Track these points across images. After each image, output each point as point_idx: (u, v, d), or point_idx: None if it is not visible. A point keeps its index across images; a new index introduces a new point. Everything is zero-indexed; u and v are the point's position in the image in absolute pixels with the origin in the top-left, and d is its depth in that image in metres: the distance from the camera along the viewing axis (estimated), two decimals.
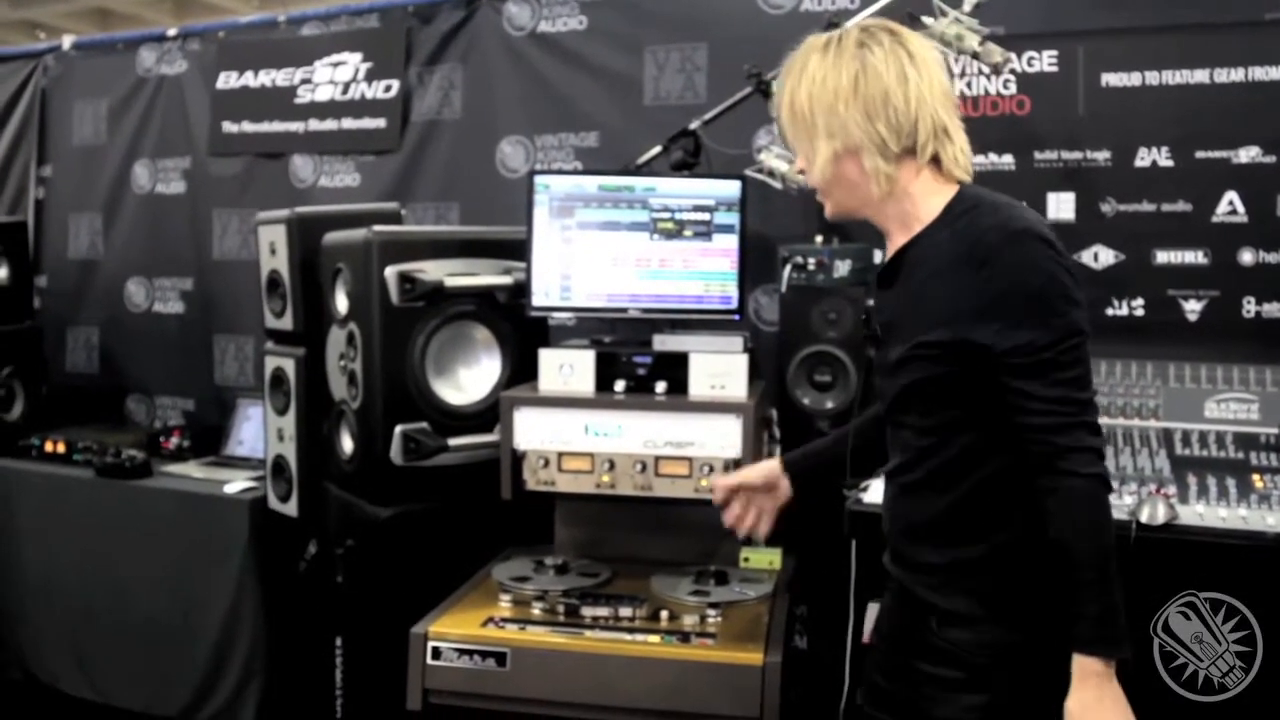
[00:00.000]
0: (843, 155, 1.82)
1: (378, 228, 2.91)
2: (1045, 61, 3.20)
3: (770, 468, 2.25)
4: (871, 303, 2.03)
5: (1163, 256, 3.12)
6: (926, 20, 2.85)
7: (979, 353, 1.72)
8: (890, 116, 1.78)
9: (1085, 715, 1.69)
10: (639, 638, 2.37)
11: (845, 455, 2.16)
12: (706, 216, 2.87)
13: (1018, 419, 1.71)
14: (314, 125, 4.18)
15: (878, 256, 2.89)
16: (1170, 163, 3.10)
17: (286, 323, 3.31)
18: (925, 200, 1.82)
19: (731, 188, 2.88)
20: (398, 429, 2.88)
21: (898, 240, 1.87)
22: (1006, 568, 1.79)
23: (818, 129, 1.82)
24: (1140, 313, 3.14)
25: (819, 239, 3.01)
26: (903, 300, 1.84)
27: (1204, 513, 2.45)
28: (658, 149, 3.15)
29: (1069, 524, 1.70)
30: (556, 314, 3.10)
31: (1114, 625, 1.68)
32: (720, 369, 2.64)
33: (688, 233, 2.88)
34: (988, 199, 1.80)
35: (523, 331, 3.03)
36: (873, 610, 2.22)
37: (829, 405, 2.89)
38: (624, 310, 2.90)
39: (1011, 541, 1.78)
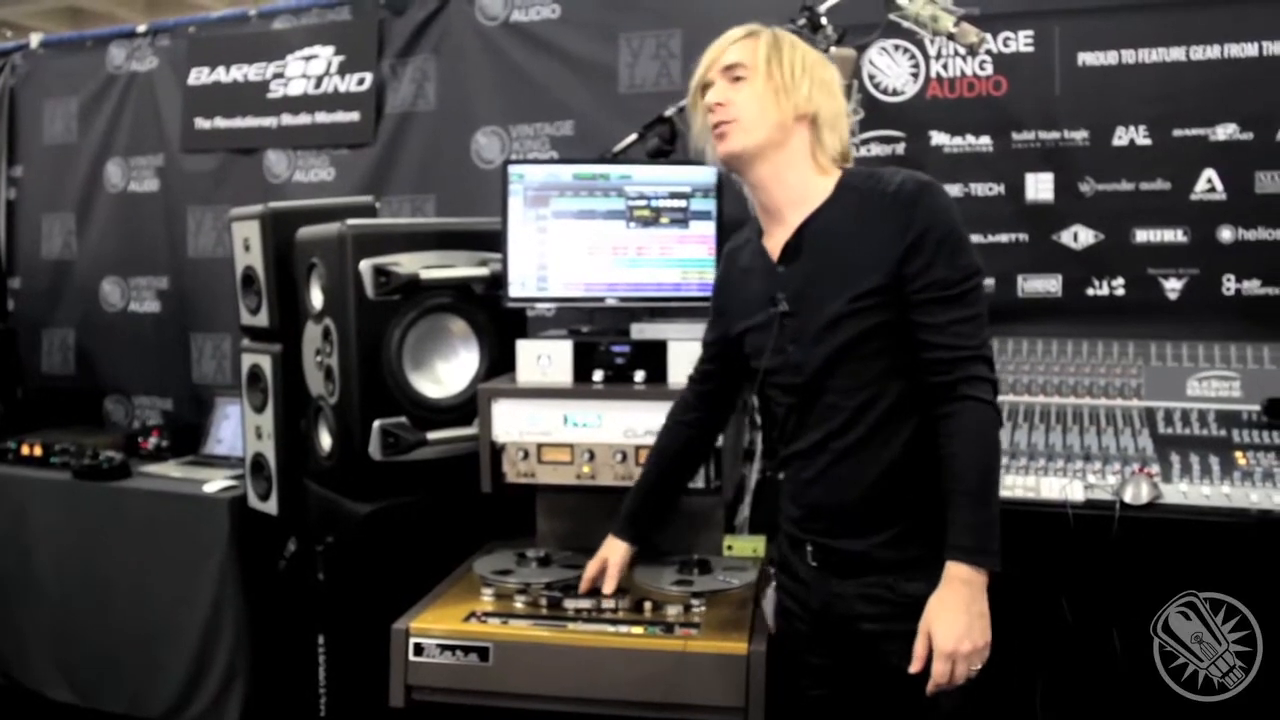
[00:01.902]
0: (803, 119, 1.98)
1: (351, 221, 2.88)
2: (1021, 41, 3.19)
3: (625, 551, 2.38)
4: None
5: (1142, 235, 3.12)
6: (900, 1, 2.83)
7: (908, 285, 1.86)
8: (838, 105, 2.03)
9: (942, 613, 1.80)
10: (623, 629, 2.35)
11: (662, 497, 2.40)
12: (683, 204, 2.85)
13: (924, 353, 1.86)
14: (287, 120, 4.14)
15: None
16: (1148, 141, 3.10)
17: (262, 319, 3.27)
18: (822, 177, 1.99)
19: (708, 174, 2.86)
20: (376, 424, 2.85)
21: (789, 219, 1.99)
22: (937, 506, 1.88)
23: (795, 85, 1.96)
24: (1120, 292, 3.14)
25: None
26: (817, 268, 1.95)
27: (1187, 491, 2.46)
28: (633, 137, 3.12)
29: (961, 439, 1.84)
30: (534, 305, 3.07)
31: (988, 538, 1.83)
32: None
33: (664, 220, 2.86)
34: (879, 169, 1.98)
35: (500, 323, 3.00)
36: (769, 598, 2.22)
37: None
38: (601, 300, 2.88)
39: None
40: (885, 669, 1.90)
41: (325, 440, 3.03)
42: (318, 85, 4.09)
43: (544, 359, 2.75)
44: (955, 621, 1.78)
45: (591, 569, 2.40)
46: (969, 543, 1.81)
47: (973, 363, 1.85)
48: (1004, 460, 2.61)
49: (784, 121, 1.96)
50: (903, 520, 1.91)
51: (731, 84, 1.98)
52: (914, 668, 1.81)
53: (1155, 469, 2.53)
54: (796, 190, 1.98)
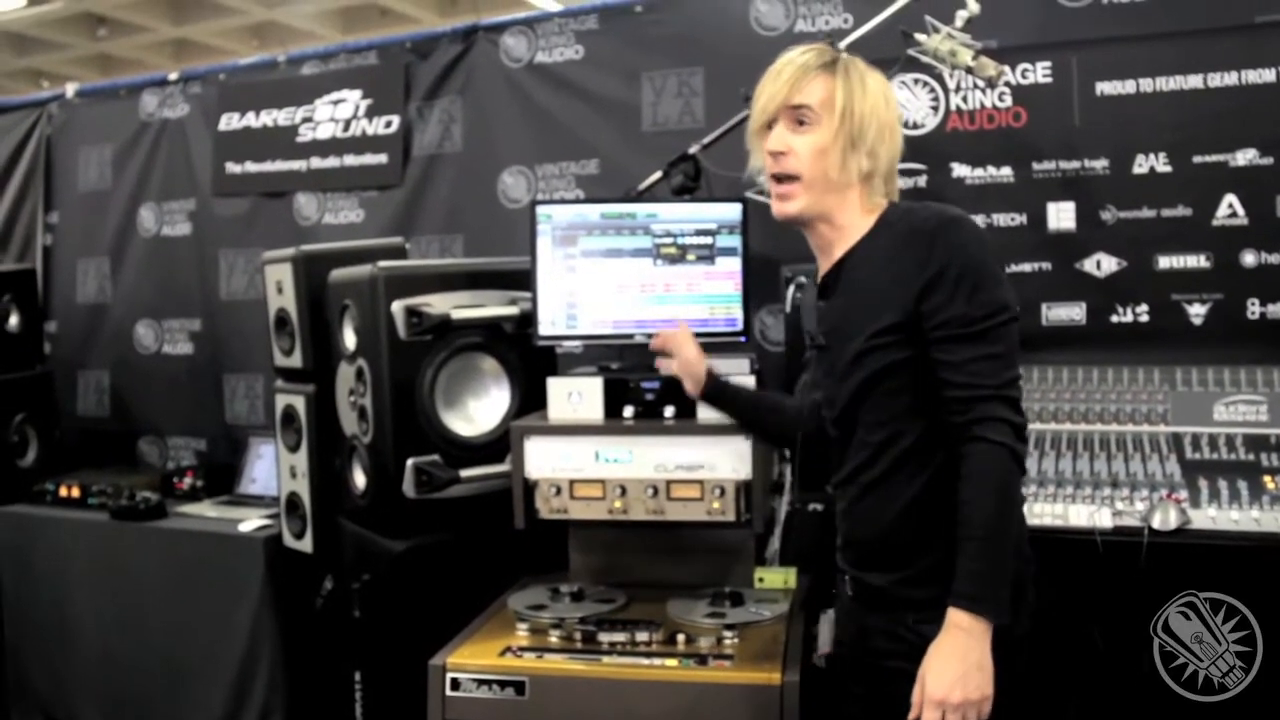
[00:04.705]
0: (865, 172, 1.93)
1: (383, 263, 2.93)
2: (1040, 73, 3.22)
3: (698, 374, 2.45)
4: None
5: (1165, 261, 3.13)
6: (919, 37, 2.87)
7: (927, 322, 1.81)
8: (896, 147, 1.97)
9: (936, 660, 1.75)
10: (657, 662, 2.37)
11: (746, 408, 2.45)
12: (709, 240, 2.89)
13: (943, 391, 1.81)
14: (316, 163, 4.21)
15: None
16: (1168, 168, 3.12)
17: (296, 360, 3.33)
18: (867, 215, 1.95)
19: (733, 210, 2.90)
20: (409, 462, 2.89)
21: (834, 254, 1.97)
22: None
23: (864, 138, 1.90)
24: (1145, 318, 3.15)
25: None
26: (847, 304, 1.94)
27: (1216, 516, 2.46)
28: (658, 174, 3.16)
29: (971, 483, 1.77)
30: (563, 342, 3.11)
31: (991, 587, 1.76)
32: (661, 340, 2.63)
33: (691, 257, 2.89)
34: (917, 203, 1.94)
35: (530, 361, 3.04)
36: (826, 621, 2.24)
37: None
38: (630, 336, 2.91)
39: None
40: (905, 709, 1.87)
41: (359, 479, 3.07)
42: (346, 129, 4.16)
43: (575, 396, 2.78)
44: (948, 670, 1.73)
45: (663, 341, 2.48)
46: (971, 590, 1.75)
47: (991, 403, 1.78)
48: (1031, 488, 2.62)
49: (849, 181, 1.92)
50: (924, 558, 1.87)
51: (795, 128, 1.92)
52: (909, 717, 1.77)
53: (1183, 494, 2.54)
54: (844, 230, 1.96)
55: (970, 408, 1.79)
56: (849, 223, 1.95)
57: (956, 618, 1.75)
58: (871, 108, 1.91)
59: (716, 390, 2.44)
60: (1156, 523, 2.43)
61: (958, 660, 1.73)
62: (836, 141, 1.89)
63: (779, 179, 1.94)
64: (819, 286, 2.02)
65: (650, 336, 2.87)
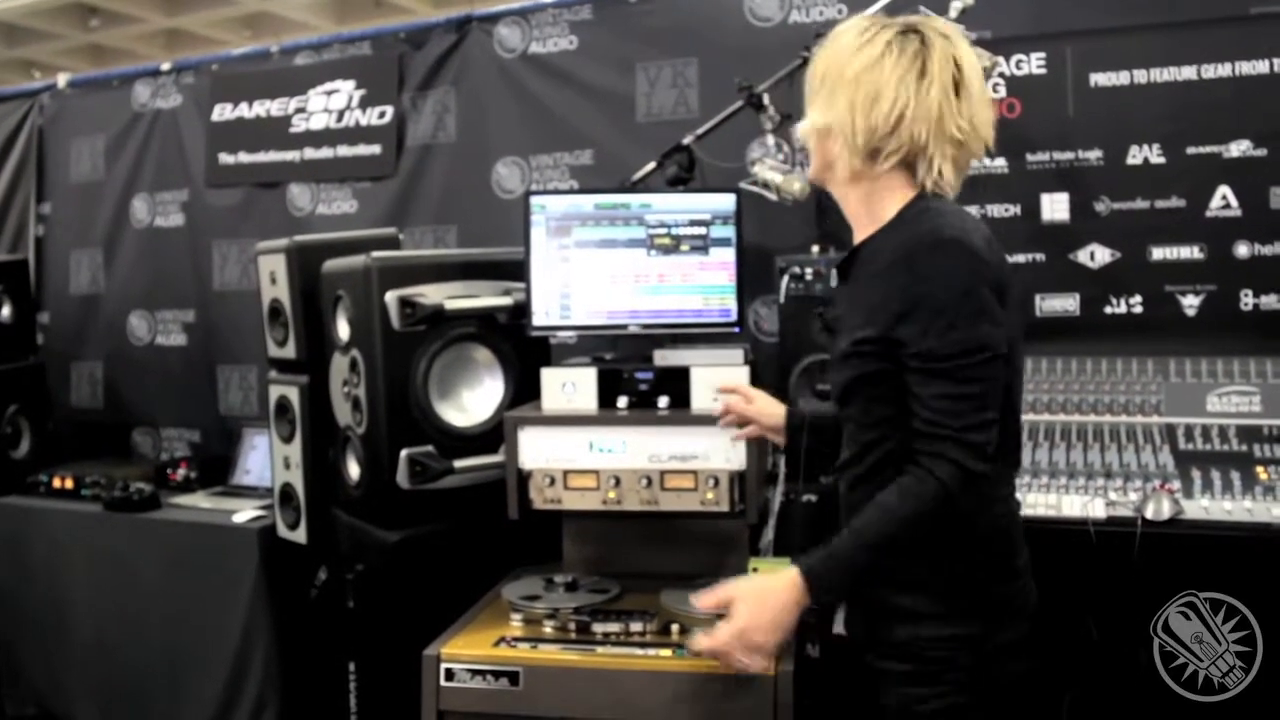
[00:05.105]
0: (823, 130, 1.90)
1: (376, 253, 2.92)
2: (1034, 63, 3.22)
3: (777, 419, 2.36)
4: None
5: (1159, 253, 3.14)
6: None
7: (902, 350, 1.78)
8: (871, 117, 1.83)
9: (757, 598, 1.83)
10: (651, 652, 2.38)
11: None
12: (703, 230, 2.89)
13: (911, 419, 1.77)
14: (310, 154, 4.21)
15: None
16: (1162, 159, 3.12)
17: (289, 351, 3.32)
18: (886, 202, 1.88)
19: (727, 201, 2.90)
20: (403, 453, 2.88)
21: (857, 236, 1.95)
22: (951, 561, 1.81)
23: (819, 97, 1.90)
24: (1138, 309, 3.15)
25: (815, 249, 3.03)
26: (851, 296, 1.92)
27: (1209, 506, 2.47)
28: (652, 165, 3.17)
29: (892, 496, 1.76)
30: (557, 333, 3.11)
31: (837, 581, 1.82)
32: (722, 381, 2.64)
33: (685, 247, 2.89)
34: (935, 206, 1.84)
35: (524, 351, 3.03)
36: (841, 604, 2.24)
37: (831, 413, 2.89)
38: (624, 327, 2.91)
39: (955, 536, 1.80)
40: (891, 704, 1.87)
41: (353, 469, 3.07)
42: (339, 119, 4.15)
43: (568, 386, 2.78)
44: (765, 614, 1.80)
45: (746, 408, 2.42)
46: (821, 569, 1.79)
47: (948, 443, 1.73)
48: (1025, 478, 2.63)
49: (818, 143, 1.93)
50: (892, 564, 1.84)
51: None
52: (703, 603, 1.89)
53: (1176, 485, 2.55)
54: (850, 209, 1.94)
55: (930, 443, 1.74)
56: (852, 203, 1.93)
57: (794, 576, 1.80)
58: (824, 64, 1.91)
59: (796, 424, 2.34)
60: (1150, 513, 2.44)
61: (778, 610, 1.80)
62: (809, 111, 1.93)
63: None
64: (838, 268, 2.00)
65: (645, 327, 2.89)
